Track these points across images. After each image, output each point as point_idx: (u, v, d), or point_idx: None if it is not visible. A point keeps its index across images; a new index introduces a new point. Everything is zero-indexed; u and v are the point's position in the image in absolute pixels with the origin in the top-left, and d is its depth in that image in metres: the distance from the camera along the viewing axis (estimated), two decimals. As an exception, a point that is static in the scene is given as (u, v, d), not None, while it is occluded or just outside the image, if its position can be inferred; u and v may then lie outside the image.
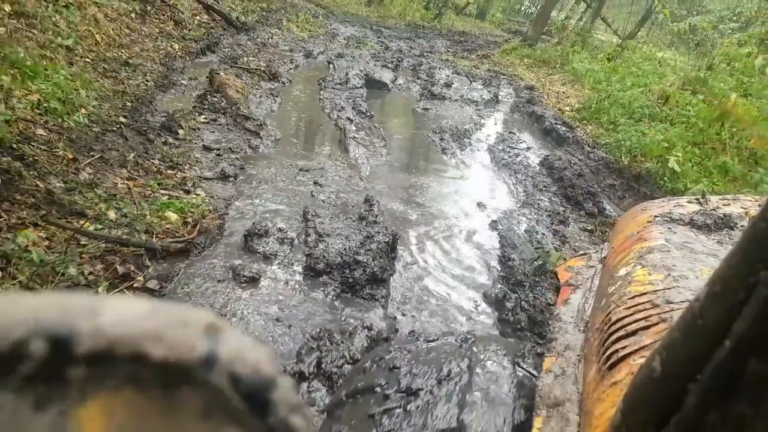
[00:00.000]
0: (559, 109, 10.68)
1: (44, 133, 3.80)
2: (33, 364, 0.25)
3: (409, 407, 1.94)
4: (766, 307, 0.48)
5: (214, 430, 0.28)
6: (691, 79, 10.11)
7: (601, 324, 1.84)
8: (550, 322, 2.59)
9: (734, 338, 0.52)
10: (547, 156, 7.74)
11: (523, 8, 29.64)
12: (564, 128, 9.34)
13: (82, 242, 3.04)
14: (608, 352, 1.63)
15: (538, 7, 17.90)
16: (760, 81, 7.95)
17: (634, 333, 1.61)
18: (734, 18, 14.34)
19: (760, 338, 0.50)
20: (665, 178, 7.39)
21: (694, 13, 16.95)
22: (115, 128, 4.61)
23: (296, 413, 0.29)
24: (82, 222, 3.15)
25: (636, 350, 1.54)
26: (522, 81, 12.74)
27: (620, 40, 16.30)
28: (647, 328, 1.60)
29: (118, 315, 0.27)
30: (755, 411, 0.53)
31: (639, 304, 1.72)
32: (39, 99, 4.01)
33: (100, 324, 0.26)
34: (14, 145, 3.43)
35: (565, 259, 3.98)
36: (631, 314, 1.70)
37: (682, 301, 1.69)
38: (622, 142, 8.37)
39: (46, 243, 2.87)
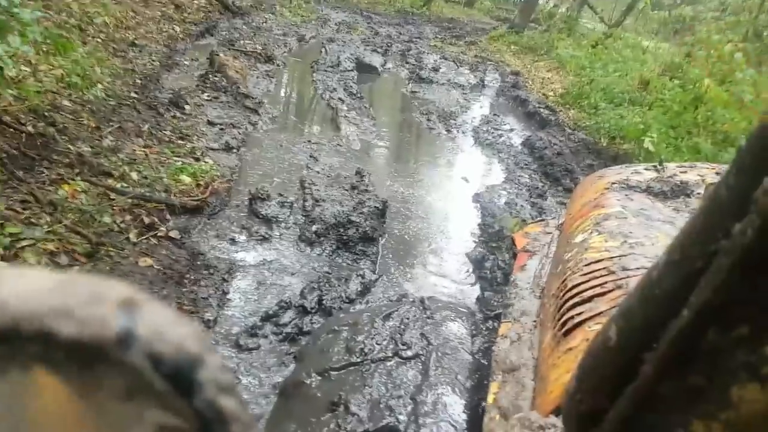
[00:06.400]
0: (543, 94, 11.13)
1: (69, 104, 4.23)
2: None
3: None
4: (726, 277, 0.48)
5: (136, 413, 0.26)
6: (670, 65, 10.63)
7: (557, 290, 1.87)
8: (506, 288, 2.73)
9: (693, 308, 0.50)
10: (529, 137, 8.19)
11: (512, -4, 30.01)
12: (547, 112, 9.79)
13: (112, 197, 3.48)
14: (564, 319, 1.66)
15: (526, -5, 18.28)
16: (729, 67, 8.44)
17: (589, 299, 1.64)
18: (722, 9, 14.77)
19: (719, 308, 0.49)
20: (640, 158, 7.87)
21: (678, 1, 17.42)
22: (128, 102, 5.03)
23: (226, 394, 0.27)
24: (110, 180, 3.59)
25: (591, 317, 1.58)
26: (508, 67, 13.17)
27: (607, 28, 16.75)
28: (603, 294, 1.63)
29: (19, 288, 0.24)
30: (709, 382, 0.53)
31: (595, 271, 1.75)
32: (62, 74, 4.42)
33: (3, 296, 0.24)
34: (46, 113, 3.86)
35: (524, 222, 4.35)
36: (587, 281, 1.72)
37: (637, 268, 1.68)
38: (602, 125, 8.82)
39: (83, 196, 3.31)
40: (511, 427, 1.25)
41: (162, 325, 0.26)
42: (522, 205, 5.86)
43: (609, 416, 0.63)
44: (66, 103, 4.21)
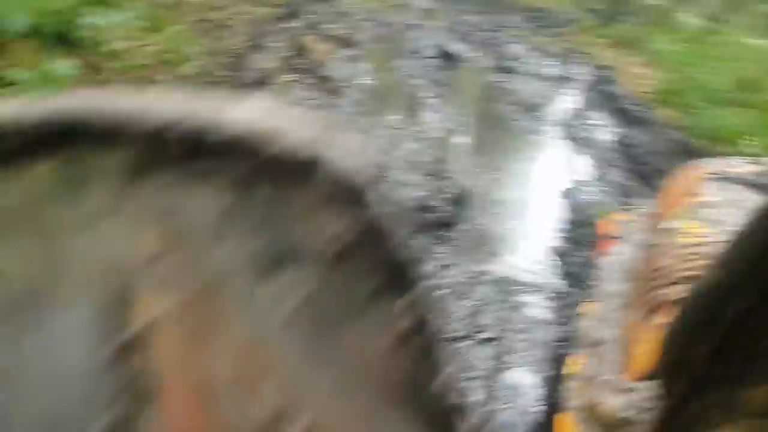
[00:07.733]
0: (635, 90, 10.62)
1: (164, 79, 4.37)
2: (173, 147, 0.25)
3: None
4: None
5: (321, 226, 0.29)
6: (777, 64, 9.89)
7: (647, 273, 1.90)
8: (592, 270, 2.72)
9: None
10: (619, 134, 7.87)
11: (603, -12, 28.83)
12: (638, 109, 9.34)
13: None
14: (650, 299, 1.69)
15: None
16: None
17: (677, 282, 1.65)
18: None
19: None
20: (738, 161, 7.39)
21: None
22: (218, 81, 5.15)
23: (391, 208, 0.30)
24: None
25: (681, 299, 1.50)
26: (597, 60, 12.65)
27: (707, 23, 15.77)
28: (694, 277, 1.58)
29: (241, 114, 0.27)
30: None
31: (687, 255, 1.75)
32: (157, 50, 4.57)
33: (226, 119, 0.26)
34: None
35: (609, 212, 4.25)
36: (677, 264, 1.73)
37: None
38: (697, 125, 8.36)
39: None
40: (596, 388, 1.23)
41: (349, 151, 0.30)
42: (609, 203, 5.62)
43: (700, 354, 0.63)
44: (161, 77, 4.35)
